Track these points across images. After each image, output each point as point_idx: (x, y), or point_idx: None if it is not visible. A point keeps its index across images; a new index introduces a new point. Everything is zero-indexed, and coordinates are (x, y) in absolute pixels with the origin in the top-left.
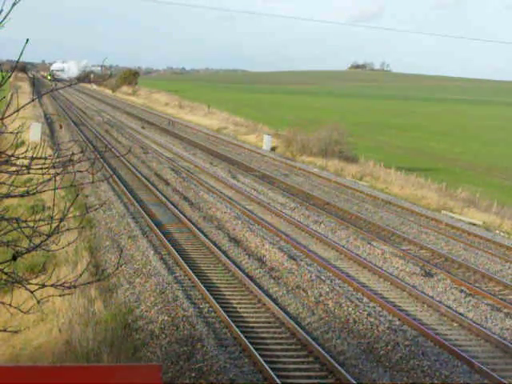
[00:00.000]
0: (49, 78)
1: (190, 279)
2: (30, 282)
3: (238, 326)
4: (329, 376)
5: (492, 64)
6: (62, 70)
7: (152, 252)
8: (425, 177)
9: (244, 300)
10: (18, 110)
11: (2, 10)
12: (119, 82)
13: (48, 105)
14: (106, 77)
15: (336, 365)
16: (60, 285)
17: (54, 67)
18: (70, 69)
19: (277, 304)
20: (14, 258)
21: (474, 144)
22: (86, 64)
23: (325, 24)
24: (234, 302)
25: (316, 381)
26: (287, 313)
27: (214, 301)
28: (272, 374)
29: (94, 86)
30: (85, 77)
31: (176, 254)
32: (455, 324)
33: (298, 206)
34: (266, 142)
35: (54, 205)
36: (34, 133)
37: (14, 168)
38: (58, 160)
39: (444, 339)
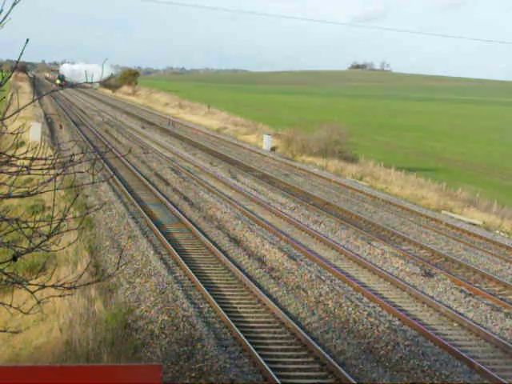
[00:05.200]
0: (57, 81)
1: (189, 279)
2: (30, 282)
3: (237, 326)
4: (329, 376)
5: (492, 64)
6: (57, 70)
7: (152, 252)
8: (425, 177)
9: (244, 300)
10: (18, 111)
11: (1, 10)
12: (119, 82)
13: (48, 105)
14: (106, 78)
15: (336, 365)
16: (60, 285)
17: (63, 68)
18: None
19: (277, 304)
20: (15, 259)
21: (474, 144)
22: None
23: (325, 24)
24: (233, 302)
25: (316, 381)
26: (287, 313)
27: (213, 301)
28: (272, 373)
29: (95, 86)
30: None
31: (176, 254)
32: (455, 324)
33: (298, 206)
34: (266, 142)
35: (53, 205)
36: (34, 133)
37: (14, 168)
38: (58, 160)
39: (444, 339)
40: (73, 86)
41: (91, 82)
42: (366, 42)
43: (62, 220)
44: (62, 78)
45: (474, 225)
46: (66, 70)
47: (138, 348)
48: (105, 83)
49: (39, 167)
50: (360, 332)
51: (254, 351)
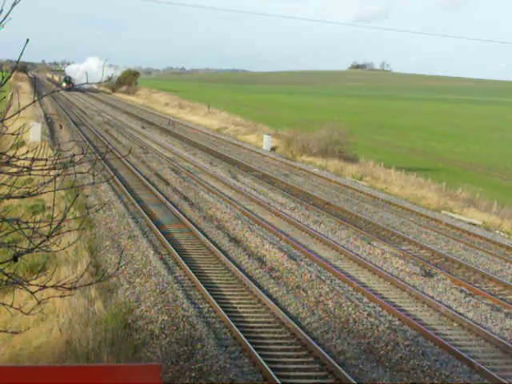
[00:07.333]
0: (63, 84)
1: (189, 279)
2: (31, 282)
3: (238, 326)
4: (329, 376)
5: (492, 64)
6: (62, 70)
7: (152, 252)
8: (425, 177)
9: (244, 300)
10: (18, 112)
11: (1, 10)
12: (119, 81)
13: (48, 105)
14: (107, 78)
15: (336, 365)
16: (60, 286)
17: (68, 69)
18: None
19: (277, 304)
20: (15, 259)
21: (474, 144)
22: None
23: (325, 24)
24: (233, 302)
25: (316, 381)
26: (287, 313)
27: (213, 301)
28: (272, 373)
29: (94, 87)
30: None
31: (176, 253)
32: (455, 324)
33: (298, 206)
34: (266, 142)
35: (53, 206)
36: (34, 133)
37: (14, 169)
38: (58, 161)
39: (444, 339)
40: (81, 89)
41: (96, 83)
42: (367, 41)
43: (62, 220)
44: (68, 79)
45: (474, 225)
46: (72, 70)
47: (138, 348)
48: (107, 83)
49: (40, 168)
50: (360, 332)
51: (254, 351)
